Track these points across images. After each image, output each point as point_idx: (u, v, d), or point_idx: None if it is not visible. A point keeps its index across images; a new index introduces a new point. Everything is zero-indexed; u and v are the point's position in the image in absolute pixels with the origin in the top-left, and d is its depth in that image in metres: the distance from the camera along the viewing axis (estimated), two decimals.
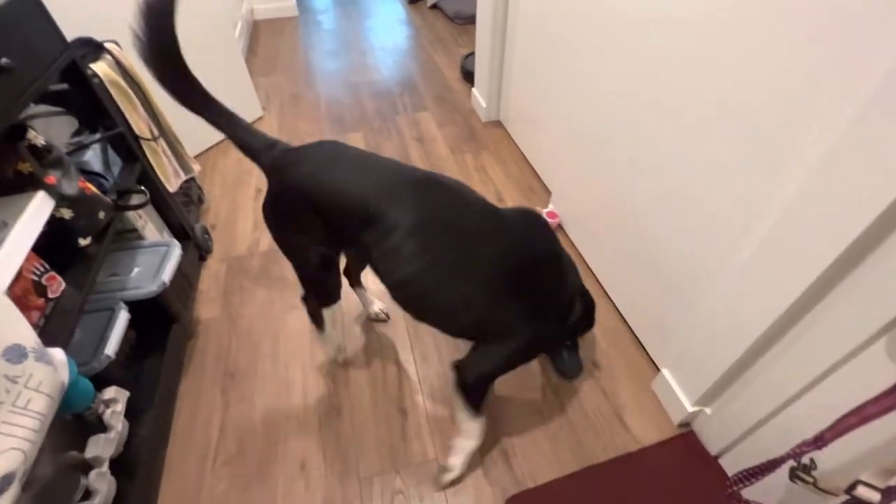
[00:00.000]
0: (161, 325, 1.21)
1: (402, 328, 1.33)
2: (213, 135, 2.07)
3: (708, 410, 1.04)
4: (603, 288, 1.40)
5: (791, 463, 0.70)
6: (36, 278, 0.83)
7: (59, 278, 0.88)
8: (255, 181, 1.86)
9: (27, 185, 0.87)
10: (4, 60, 0.77)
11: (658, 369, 1.18)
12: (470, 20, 3.21)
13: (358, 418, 1.14)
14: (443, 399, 1.17)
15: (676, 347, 1.09)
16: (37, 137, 0.88)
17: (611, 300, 1.37)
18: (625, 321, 1.31)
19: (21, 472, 0.61)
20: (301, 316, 1.36)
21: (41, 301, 0.83)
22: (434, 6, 3.54)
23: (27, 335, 0.67)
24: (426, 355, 1.26)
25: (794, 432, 0.83)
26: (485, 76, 2.08)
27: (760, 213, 0.79)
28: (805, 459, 0.71)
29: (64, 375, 0.73)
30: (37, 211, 0.84)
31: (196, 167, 1.56)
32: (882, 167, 0.58)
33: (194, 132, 1.94)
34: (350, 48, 2.97)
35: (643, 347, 1.25)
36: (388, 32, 3.20)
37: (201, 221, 1.64)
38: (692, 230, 0.97)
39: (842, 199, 0.64)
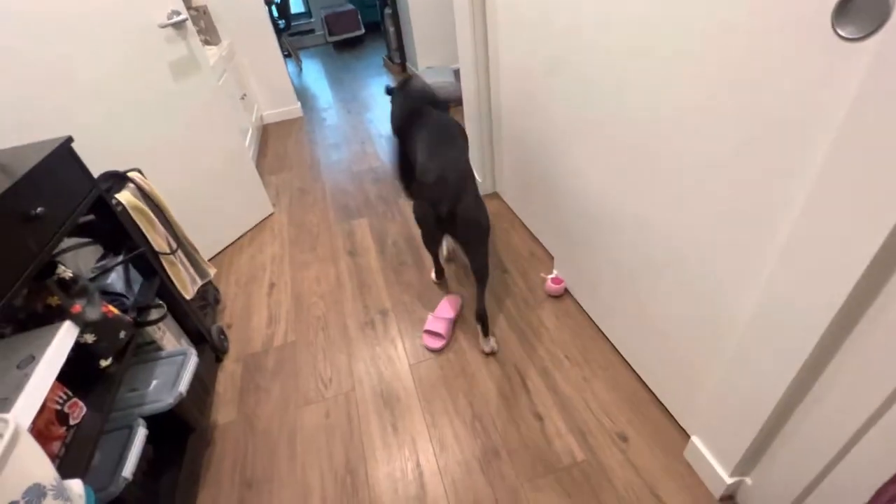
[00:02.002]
0: (178, 435, 1.21)
1: (420, 415, 1.30)
2: (228, 235, 2.19)
3: (748, 480, 0.98)
4: (620, 353, 1.38)
5: None
6: (59, 407, 0.86)
7: (81, 404, 0.91)
8: (268, 276, 1.94)
9: (55, 316, 0.93)
10: (39, 209, 0.87)
11: (689, 436, 1.12)
12: (459, 103, 3.47)
13: None
14: (465, 489, 1.11)
15: (703, 412, 1.04)
16: (65, 271, 0.95)
17: (630, 366, 1.33)
18: (647, 387, 1.27)
19: None
20: (317, 411, 1.36)
21: (62, 430, 0.85)
22: None
23: (47, 473, 0.68)
24: (444, 443, 1.22)
25: (845, 499, 0.77)
26: (477, 152, 2.21)
27: (760, 264, 0.80)
28: None
29: None
30: (62, 341, 0.88)
31: (212, 271, 1.64)
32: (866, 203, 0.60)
33: (209, 236, 2.07)
34: (351, 140, 3.20)
35: (670, 414, 1.20)
36: (386, 122, 3.45)
37: (217, 322, 1.69)
38: (695, 287, 0.98)
39: (837, 237, 0.64)
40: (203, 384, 1.35)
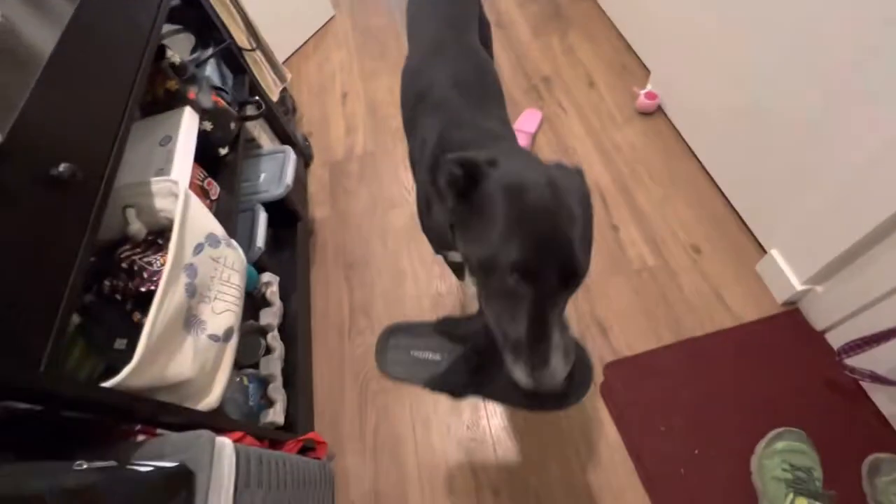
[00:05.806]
0: (288, 223, 1.39)
1: None
2: (292, 42, 2.08)
3: (819, 288, 1.03)
4: (706, 170, 1.33)
5: None
6: (199, 182, 0.98)
7: (215, 183, 1.03)
8: (338, 86, 1.90)
9: (174, 102, 0.99)
10: None
11: (764, 252, 1.15)
12: None
13: (459, 295, 1.28)
14: None
15: (789, 227, 1.05)
16: (173, 55, 0.97)
17: (714, 183, 1.30)
18: (730, 204, 1.26)
19: (236, 327, 0.81)
20: (402, 214, 1.48)
21: (208, 202, 0.99)
22: None
23: (216, 226, 0.82)
24: None
25: None
26: None
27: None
28: None
29: (244, 257, 0.90)
30: (189, 123, 0.96)
31: (289, 75, 1.63)
32: None
33: (272, 43, 1.97)
34: None
35: (749, 230, 1.21)
36: None
37: (299, 130, 1.75)
38: (817, 105, 0.88)
39: None
40: (301, 182, 1.48)
